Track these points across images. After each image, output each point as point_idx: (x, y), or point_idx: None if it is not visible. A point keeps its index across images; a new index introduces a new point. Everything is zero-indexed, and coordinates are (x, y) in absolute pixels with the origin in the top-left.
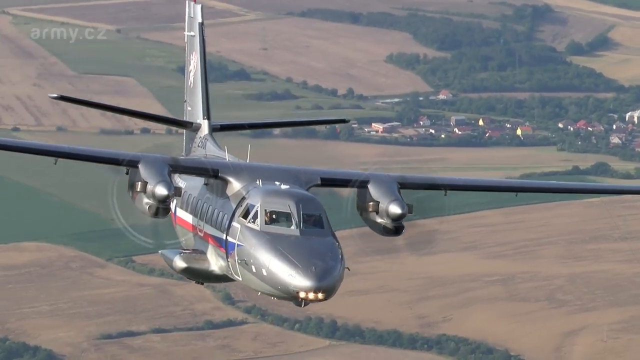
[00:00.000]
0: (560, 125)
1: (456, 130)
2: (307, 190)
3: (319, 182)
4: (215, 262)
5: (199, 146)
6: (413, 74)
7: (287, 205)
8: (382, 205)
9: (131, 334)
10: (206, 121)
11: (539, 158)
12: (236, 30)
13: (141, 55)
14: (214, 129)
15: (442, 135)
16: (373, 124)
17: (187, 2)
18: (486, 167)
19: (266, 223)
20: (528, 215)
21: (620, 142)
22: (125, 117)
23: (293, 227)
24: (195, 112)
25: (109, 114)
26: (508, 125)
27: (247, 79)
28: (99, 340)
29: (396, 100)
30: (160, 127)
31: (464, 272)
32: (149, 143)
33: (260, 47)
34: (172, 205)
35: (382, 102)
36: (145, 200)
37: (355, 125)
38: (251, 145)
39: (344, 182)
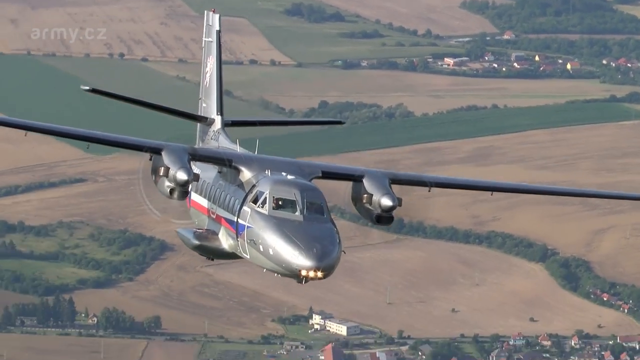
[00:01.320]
0: (604, 62)
1: (515, 64)
2: (310, 181)
3: (320, 174)
4: (225, 241)
5: (212, 139)
6: (482, 17)
7: (292, 194)
8: (375, 198)
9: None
10: (219, 117)
11: (584, 89)
12: None
13: None
14: (225, 124)
15: (503, 69)
16: (445, 59)
17: (206, 11)
18: (539, 96)
19: (274, 208)
20: (569, 135)
21: None
22: (237, 50)
23: (297, 213)
24: (209, 108)
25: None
26: (560, 61)
27: (342, 20)
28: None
29: (467, 39)
30: None
31: (512, 180)
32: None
33: None
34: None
35: (456, 41)
36: (167, 183)
37: (430, 60)
38: (335, 72)
39: (342, 176)
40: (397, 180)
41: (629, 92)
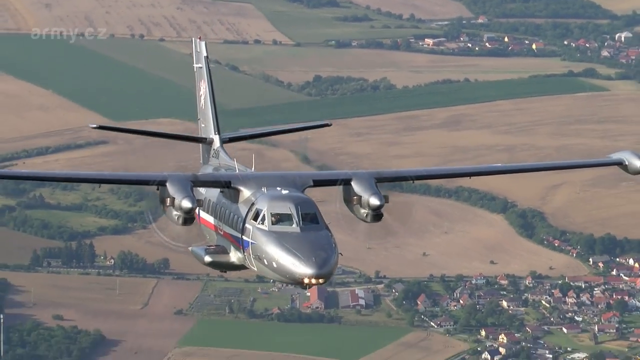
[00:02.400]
0: (565, 42)
1: (487, 44)
2: (303, 191)
3: (312, 183)
4: (234, 256)
5: (213, 157)
6: (460, 3)
7: (288, 208)
8: (363, 199)
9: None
10: (217, 136)
11: (546, 65)
12: None
13: None
14: (223, 142)
15: (476, 48)
16: (425, 39)
17: (192, 39)
18: (506, 71)
19: (272, 224)
20: (531, 104)
21: (609, 55)
22: (244, 32)
23: (294, 225)
24: (207, 128)
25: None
26: (526, 42)
27: (336, 6)
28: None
29: (445, 22)
30: None
31: (480, 143)
32: None
33: None
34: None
35: (435, 24)
36: (174, 212)
37: (412, 40)
38: (328, 50)
39: (331, 182)
40: (382, 179)
41: (585, 68)
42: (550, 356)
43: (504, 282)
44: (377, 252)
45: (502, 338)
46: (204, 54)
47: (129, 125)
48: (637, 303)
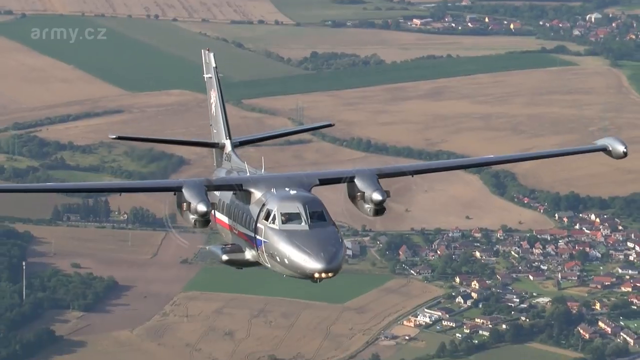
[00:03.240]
0: (541, 22)
1: (469, 24)
2: (310, 190)
3: (318, 182)
4: (249, 253)
5: (225, 160)
6: None
7: (296, 207)
8: (367, 194)
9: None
10: (228, 141)
11: (522, 43)
12: None
13: None
14: (234, 145)
15: (460, 28)
16: (414, 20)
17: (202, 51)
18: (486, 48)
19: (283, 223)
20: (507, 78)
21: (579, 33)
22: (249, 13)
23: (303, 223)
24: (219, 134)
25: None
26: (505, 22)
27: None
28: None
29: (432, 4)
30: None
31: (459, 112)
32: None
33: None
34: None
35: (423, 6)
36: (191, 216)
37: (402, 20)
38: (325, 30)
39: (336, 180)
40: (383, 175)
41: (556, 46)
42: (518, 300)
43: (478, 235)
44: None
45: (475, 284)
46: (213, 64)
47: (142, 96)
48: (597, 254)
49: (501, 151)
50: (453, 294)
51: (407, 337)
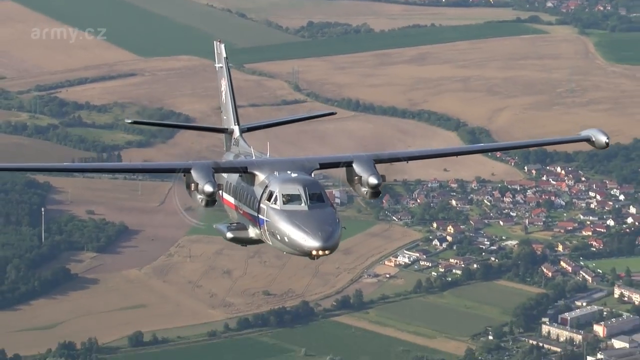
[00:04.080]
0: None
1: None
2: (311, 174)
3: (318, 166)
4: (252, 231)
5: (233, 145)
6: None
7: (297, 189)
8: (363, 178)
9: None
10: (237, 127)
11: (499, 14)
12: None
13: None
14: (242, 131)
15: (444, 0)
16: None
17: (214, 42)
18: (466, 19)
19: (284, 203)
20: (484, 44)
21: (552, 5)
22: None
23: (302, 204)
24: (228, 120)
25: None
26: None
27: None
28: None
29: None
30: None
31: (440, 75)
32: None
33: None
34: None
35: None
36: (198, 195)
37: None
38: (320, 1)
39: (335, 164)
40: (380, 160)
41: (530, 16)
42: (488, 243)
43: (454, 185)
44: None
45: (450, 229)
46: (224, 55)
47: (153, 61)
48: (562, 202)
49: (476, 110)
50: (430, 237)
51: (387, 275)
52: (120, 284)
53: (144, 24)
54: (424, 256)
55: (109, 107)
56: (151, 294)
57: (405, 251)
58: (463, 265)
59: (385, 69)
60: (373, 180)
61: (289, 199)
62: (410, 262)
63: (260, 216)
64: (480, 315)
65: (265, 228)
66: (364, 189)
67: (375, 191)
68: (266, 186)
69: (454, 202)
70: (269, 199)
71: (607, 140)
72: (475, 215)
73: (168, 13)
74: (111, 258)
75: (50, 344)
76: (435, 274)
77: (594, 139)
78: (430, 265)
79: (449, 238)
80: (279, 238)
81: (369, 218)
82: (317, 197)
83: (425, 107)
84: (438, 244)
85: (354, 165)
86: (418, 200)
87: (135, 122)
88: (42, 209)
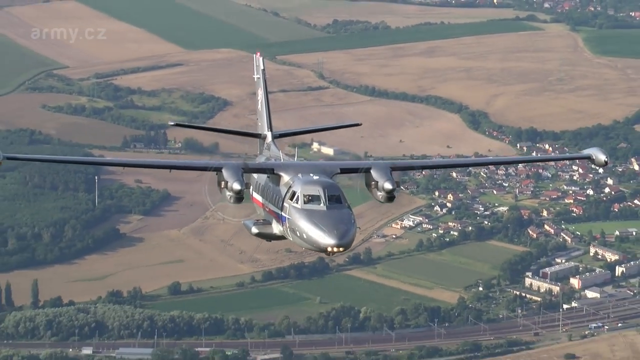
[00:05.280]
0: None
1: None
2: (331, 178)
3: (339, 171)
4: (276, 228)
5: (265, 149)
6: None
7: (317, 190)
8: (380, 184)
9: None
10: (269, 133)
11: (501, 13)
12: None
13: None
14: (274, 137)
15: (453, 1)
16: None
17: (254, 55)
18: (472, 17)
19: (304, 203)
20: (486, 40)
21: (549, 6)
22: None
23: (322, 204)
24: (262, 126)
25: None
26: None
27: None
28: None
29: None
30: None
31: (447, 67)
32: None
33: None
34: (250, 191)
35: None
36: (228, 193)
37: None
38: (344, 2)
39: (355, 170)
40: (396, 168)
41: (528, 15)
42: (482, 209)
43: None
44: (367, 139)
45: (450, 197)
46: (262, 67)
47: (197, 53)
48: (548, 174)
49: (476, 95)
50: (432, 204)
51: (394, 236)
52: (162, 242)
53: (190, 21)
54: (427, 220)
55: (157, 92)
56: (189, 250)
57: (410, 215)
58: (460, 228)
59: (398, 60)
60: (388, 186)
61: (310, 199)
62: (414, 225)
63: (283, 214)
64: (473, 270)
65: (287, 225)
66: (380, 193)
67: (390, 195)
68: (290, 186)
69: (454, 174)
70: (291, 198)
71: (606, 159)
72: (472, 185)
73: (211, 12)
74: (155, 220)
75: (100, 293)
76: (435, 235)
77: (594, 157)
78: (431, 227)
79: (449, 204)
80: (298, 234)
81: None
82: (335, 199)
83: (432, 92)
84: (439, 209)
85: (372, 171)
86: (423, 172)
87: (177, 125)
88: (96, 178)
